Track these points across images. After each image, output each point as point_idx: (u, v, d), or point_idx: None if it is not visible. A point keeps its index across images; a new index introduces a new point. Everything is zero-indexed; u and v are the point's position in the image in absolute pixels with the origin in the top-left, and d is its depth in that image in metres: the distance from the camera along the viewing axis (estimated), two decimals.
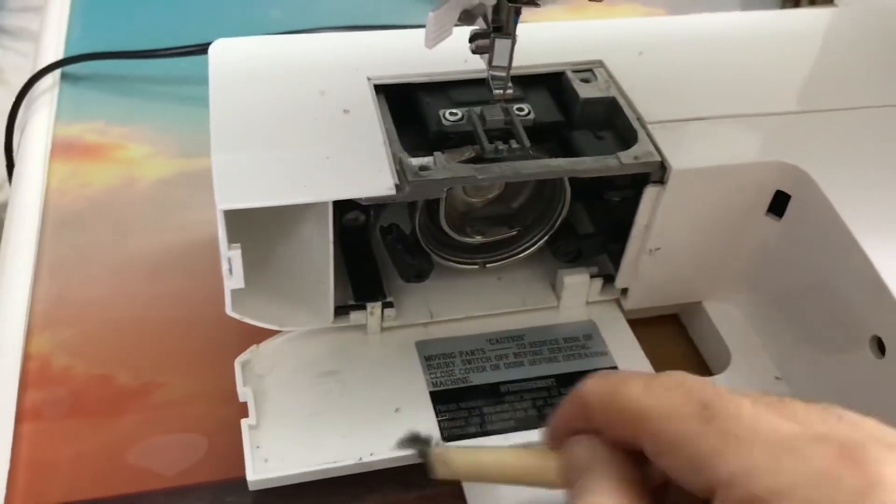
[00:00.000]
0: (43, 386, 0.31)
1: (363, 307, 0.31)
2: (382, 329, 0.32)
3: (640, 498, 0.19)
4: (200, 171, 0.40)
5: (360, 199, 0.27)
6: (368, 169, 0.27)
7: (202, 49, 0.45)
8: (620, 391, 0.19)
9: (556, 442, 0.22)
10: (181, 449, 0.30)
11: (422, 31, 0.32)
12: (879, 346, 0.27)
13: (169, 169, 0.41)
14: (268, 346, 0.31)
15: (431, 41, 0.24)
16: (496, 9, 0.26)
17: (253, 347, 0.30)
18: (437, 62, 0.31)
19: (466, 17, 0.25)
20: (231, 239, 0.27)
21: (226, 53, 0.31)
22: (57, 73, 0.46)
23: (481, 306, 0.32)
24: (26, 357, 0.32)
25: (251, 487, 0.26)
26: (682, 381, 0.19)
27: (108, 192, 0.39)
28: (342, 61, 0.31)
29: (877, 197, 0.29)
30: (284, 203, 0.26)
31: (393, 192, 0.26)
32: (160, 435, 0.30)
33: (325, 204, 0.27)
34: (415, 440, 0.27)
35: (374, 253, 0.33)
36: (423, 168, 0.27)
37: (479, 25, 0.27)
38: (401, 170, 0.27)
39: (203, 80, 0.45)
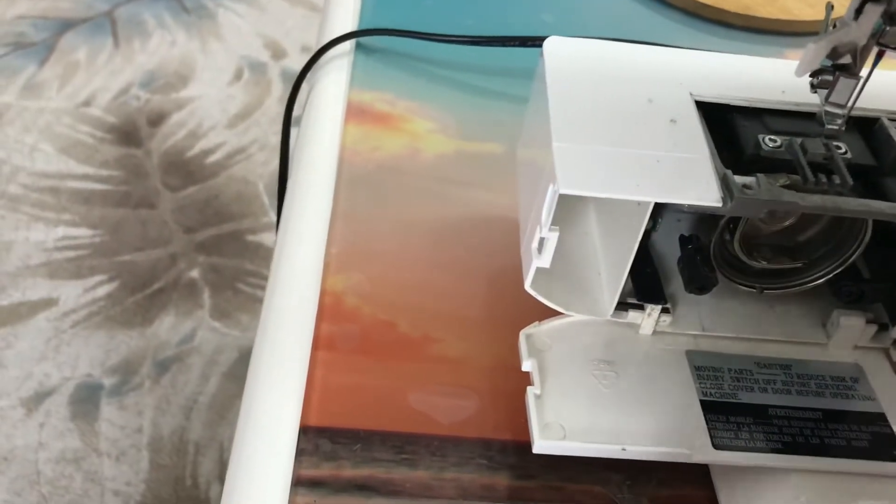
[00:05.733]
0: (336, 321, 0.35)
1: (642, 307, 0.33)
2: (654, 332, 0.33)
3: None
4: (476, 154, 0.43)
5: (683, 205, 0.28)
6: (696, 179, 0.28)
7: (488, 41, 0.48)
8: None
9: None
10: (455, 402, 0.32)
11: (742, 57, 0.34)
12: None
13: (449, 146, 0.44)
14: (548, 325, 0.33)
15: (803, 70, 0.25)
16: (857, 49, 0.26)
17: (535, 323, 0.32)
18: (753, 88, 0.33)
19: (832, 54, 0.26)
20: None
21: (558, 50, 0.33)
22: (350, 42, 0.50)
23: (751, 329, 0.33)
24: (323, 293, 0.36)
25: (536, 451, 0.28)
26: None
27: (395, 159, 0.42)
28: (665, 74, 0.33)
29: None
30: (620, 197, 0.28)
31: (719, 204, 0.28)
32: (436, 385, 0.33)
33: (646, 204, 0.29)
34: None
35: (652, 258, 0.34)
36: (746, 187, 0.28)
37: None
38: (725, 185, 0.28)
39: (485, 70, 0.49)
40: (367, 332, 0.34)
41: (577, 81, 0.32)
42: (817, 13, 0.55)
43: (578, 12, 0.55)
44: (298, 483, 0.29)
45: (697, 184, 0.28)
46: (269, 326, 0.35)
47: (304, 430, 0.31)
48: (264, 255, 1.30)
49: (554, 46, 0.33)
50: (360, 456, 0.30)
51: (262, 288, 1.25)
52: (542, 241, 0.30)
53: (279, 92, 1.58)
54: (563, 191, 0.27)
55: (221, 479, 1.03)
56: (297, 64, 1.63)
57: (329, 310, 0.35)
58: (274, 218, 1.35)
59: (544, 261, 0.30)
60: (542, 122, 0.31)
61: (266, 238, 1.33)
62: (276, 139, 1.48)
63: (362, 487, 0.30)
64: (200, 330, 1.19)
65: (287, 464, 0.30)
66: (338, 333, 0.34)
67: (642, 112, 0.31)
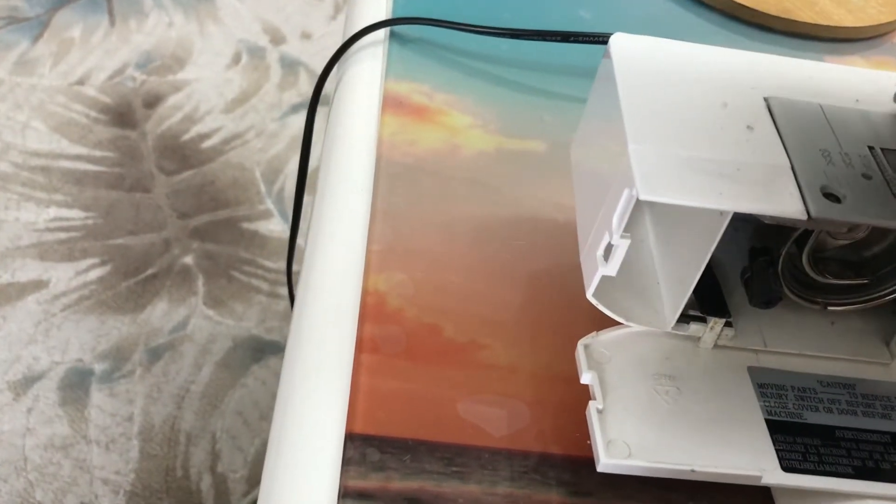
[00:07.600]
0: (379, 322, 0.33)
1: (704, 320, 0.31)
2: (715, 346, 0.32)
3: None
4: (518, 152, 0.42)
5: (764, 216, 0.27)
6: (777, 189, 0.27)
7: (529, 34, 0.47)
8: None
9: None
10: (505, 413, 0.31)
11: (815, 63, 0.32)
12: None
13: (489, 143, 0.42)
14: (605, 335, 0.31)
15: None
16: None
17: (593, 334, 0.31)
18: (826, 95, 0.31)
19: None
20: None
21: (626, 48, 0.32)
22: (382, 31, 0.48)
23: (813, 346, 0.32)
24: (365, 292, 0.34)
25: (601, 469, 0.27)
26: None
27: (434, 154, 0.41)
28: (738, 78, 0.31)
29: None
30: (704, 206, 0.26)
31: (803, 216, 0.26)
32: (485, 394, 0.31)
33: (726, 213, 0.27)
34: None
35: (712, 269, 0.33)
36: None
37: None
38: (807, 197, 0.27)
39: (523, 65, 0.47)
40: (412, 336, 0.33)
41: (649, 81, 0.30)
42: (857, 20, 0.54)
43: (615, 10, 0.53)
44: (346, 494, 0.28)
45: (781, 194, 0.27)
46: (306, 324, 0.33)
47: (350, 438, 0.29)
48: (260, 243, 1.28)
49: (621, 44, 0.32)
50: (409, 467, 0.29)
51: (257, 277, 1.23)
52: (610, 248, 0.28)
53: (277, 78, 1.56)
54: (644, 197, 0.26)
55: (212, 470, 1.01)
56: (297, 50, 1.60)
57: (372, 310, 0.33)
58: (271, 206, 1.33)
59: (611, 269, 0.28)
60: (610, 122, 0.30)
61: (262, 226, 1.31)
62: (274, 126, 1.46)
63: (413, 501, 0.28)
64: (194, 318, 1.16)
65: (333, 472, 0.28)
66: (381, 336, 0.33)
67: (718, 117, 0.29)
